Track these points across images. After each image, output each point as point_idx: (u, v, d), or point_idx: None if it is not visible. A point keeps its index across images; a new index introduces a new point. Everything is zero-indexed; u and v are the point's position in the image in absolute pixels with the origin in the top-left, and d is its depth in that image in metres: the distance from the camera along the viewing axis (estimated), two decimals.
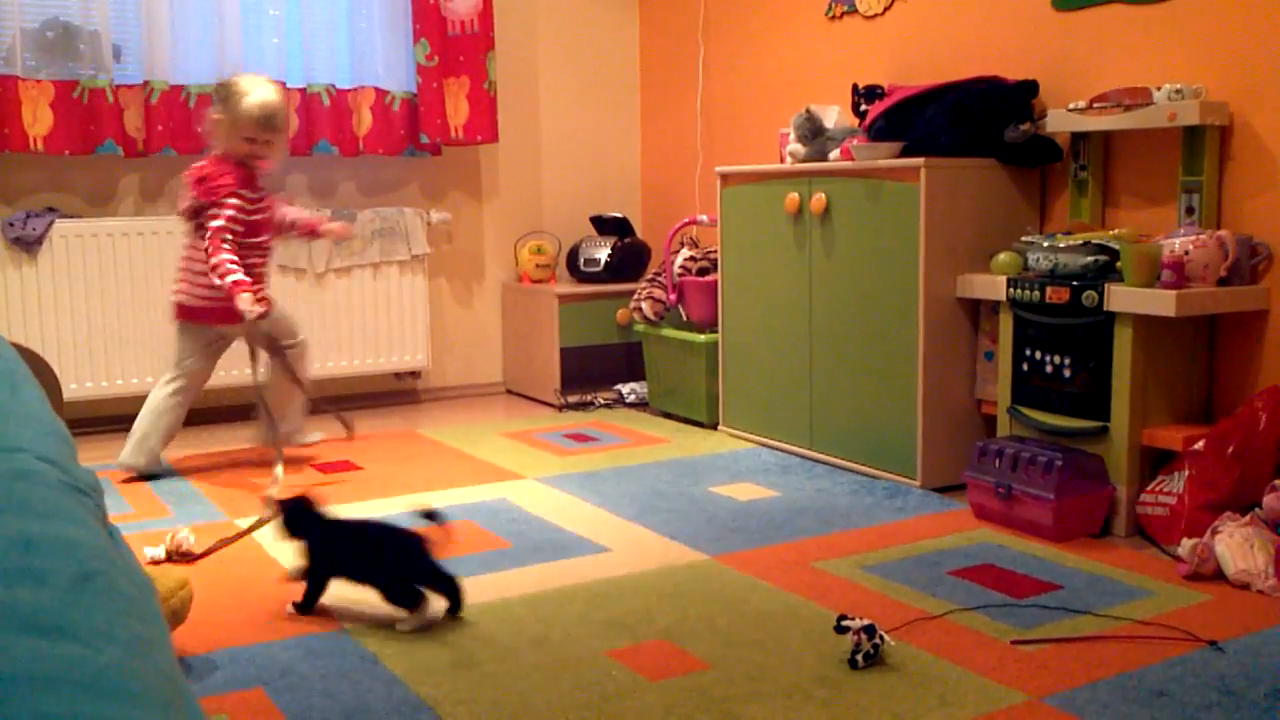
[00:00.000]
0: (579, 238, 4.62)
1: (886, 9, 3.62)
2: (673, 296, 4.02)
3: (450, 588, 2.17)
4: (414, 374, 4.49)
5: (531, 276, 4.54)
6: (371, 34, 4.23)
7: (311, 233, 3.51)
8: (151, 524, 2.81)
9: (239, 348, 3.42)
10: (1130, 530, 2.63)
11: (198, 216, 3.17)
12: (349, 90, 4.19)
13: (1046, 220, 3.14)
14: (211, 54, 3.95)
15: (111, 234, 3.81)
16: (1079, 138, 2.97)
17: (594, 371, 4.41)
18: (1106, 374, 2.64)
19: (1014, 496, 2.64)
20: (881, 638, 1.92)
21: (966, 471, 2.79)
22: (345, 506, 2.94)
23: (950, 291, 3.01)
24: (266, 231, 3.29)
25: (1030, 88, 3.05)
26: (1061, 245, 2.74)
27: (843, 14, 3.80)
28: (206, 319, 3.24)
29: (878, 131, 3.19)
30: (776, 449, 3.50)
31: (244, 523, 2.74)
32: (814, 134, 3.36)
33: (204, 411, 4.13)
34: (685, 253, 4.05)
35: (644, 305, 4.08)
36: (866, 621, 1.92)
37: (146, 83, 3.86)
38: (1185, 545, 2.34)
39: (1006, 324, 2.89)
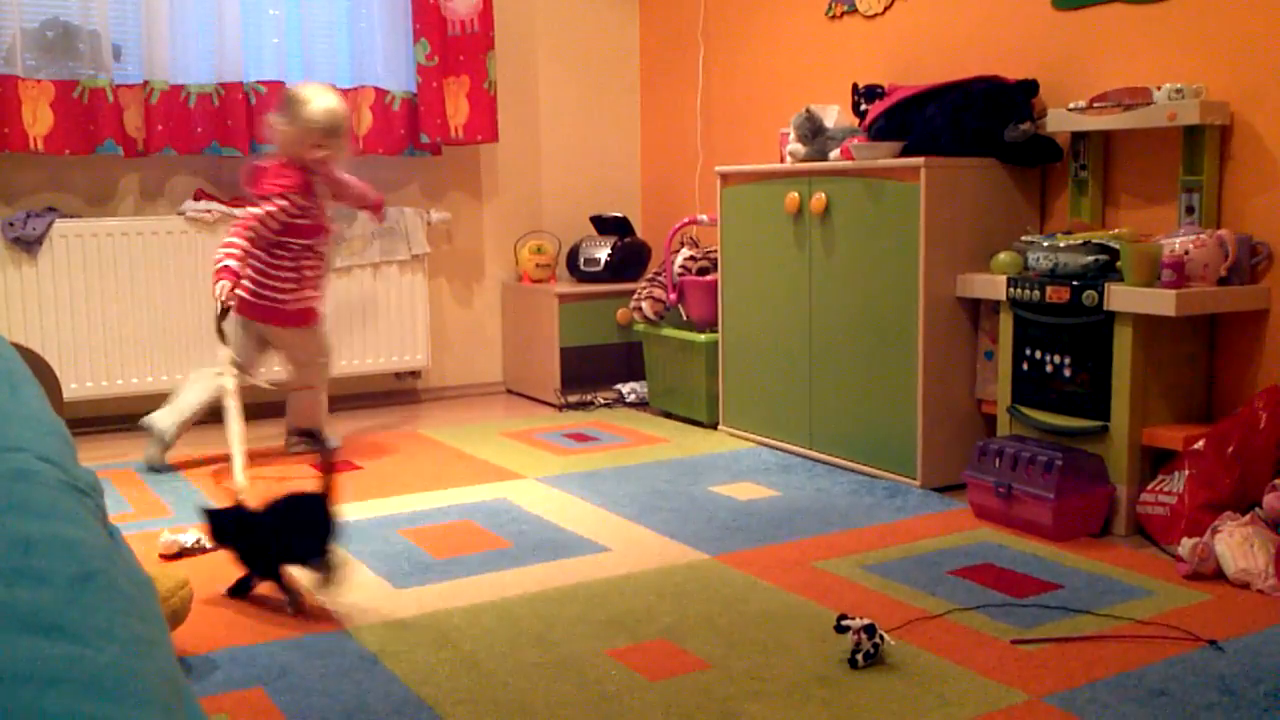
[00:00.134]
0: (579, 237, 4.62)
1: (886, 8, 3.62)
2: (673, 296, 4.02)
3: (326, 559, 2.20)
4: (414, 374, 4.49)
5: (531, 276, 4.54)
6: (371, 34, 4.23)
7: (366, 207, 3.61)
8: (151, 524, 2.81)
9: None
10: (1130, 530, 2.63)
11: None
12: (349, 90, 4.19)
13: (1046, 220, 3.14)
14: (211, 54, 3.95)
15: (111, 234, 3.81)
16: (1079, 137, 2.97)
17: (594, 371, 4.41)
18: (1106, 373, 2.64)
19: (1014, 496, 2.64)
20: (881, 637, 1.92)
21: (966, 471, 2.79)
22: (345, 505, 2.94)
23: (950, 291, 3.01)
24: (317, 235, 3.39)
25: (1030, 87, 3.05)
26: (1062, 245, 2.74)
27: (843, 13, 3.80)
28: (246, 314, 3.38)
29: (878, 131, 3.19)
30: (776, 448, 3.50)
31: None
32: (814, 133, 3.36)
33: (204, 412, 4.13)
34: (685, 252, 4.05)
35: (644, 305, 4.08)
36: (866, 621, 1.92)
37: (146, 82, 3.86)
38: (1185, 545, 2.34)
39: (1006, 323, 2.89)
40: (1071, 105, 2.87)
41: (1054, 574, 2.36)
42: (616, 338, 4.39)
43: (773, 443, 3.54)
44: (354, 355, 4.23)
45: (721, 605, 2.21)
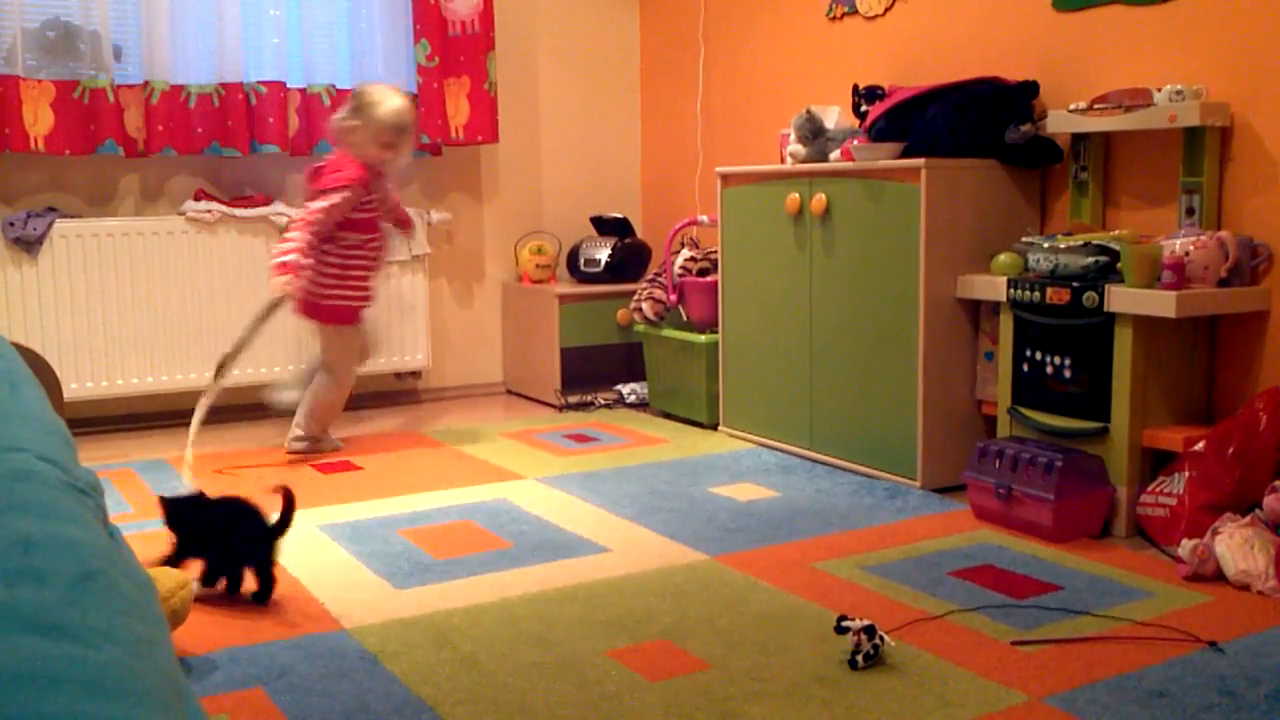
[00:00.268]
0: (579, 238, 4.62)
1: (887, 9, 3.62)
2: (673, 297, 4.02)
3: (266, 575, 2.26)
4: (414, 374, 4.49)
5: (532, 277, 4.54)
6: (372, 34, 4.23)
7: (398, 221, 3.68)
8: (152, 524, 2.81)
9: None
10: (1130, 531, 2.63)
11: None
12: (349, 90, 4.19)
13: (1047, 221, 3.14)
14: (211, 54, 3.95)
15: (112, 234, 3.81)
16: (1079, 138, 2.97)
17: (594, 372, 4.41)
18: (1107, 375, 2.64)
19: (1014, 497, 2.64)
20: (881, 638, 1.92)
21: (967, 472, 2.79)
22: (345, 506, 2.94)
23: (950, 292, 3.01)
24: (374, 231, 3.46)
25: (1031, 88, 3.05)
26: (1062, 246, 2.74)
27: (843, 15, 3.80)
28: (350, 319, 3.47)
29: (878, 132, 3.19)
30: (777, 449, 3.50)
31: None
32: (814, 134, 3.36)
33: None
34: (685, 253, 4.05)
35: (644, 306, 4.08)
36: (866, 622, 1.92)
37: (147, 83, 3.86)
38: (1185, 546, 2.34)
39: (1007, 325, 2.89)
40: (1072, 106, 2.87)
41: (1054, 575, 2.36)
42: (617, 338, 4.39)
43: (773, 443, 3.54)
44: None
45: (721, 606, 2.21)
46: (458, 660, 1.97)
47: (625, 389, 4.33)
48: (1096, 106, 2.81)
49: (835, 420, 3.28)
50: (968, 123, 3.01)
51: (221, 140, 3.97)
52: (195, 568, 2.28)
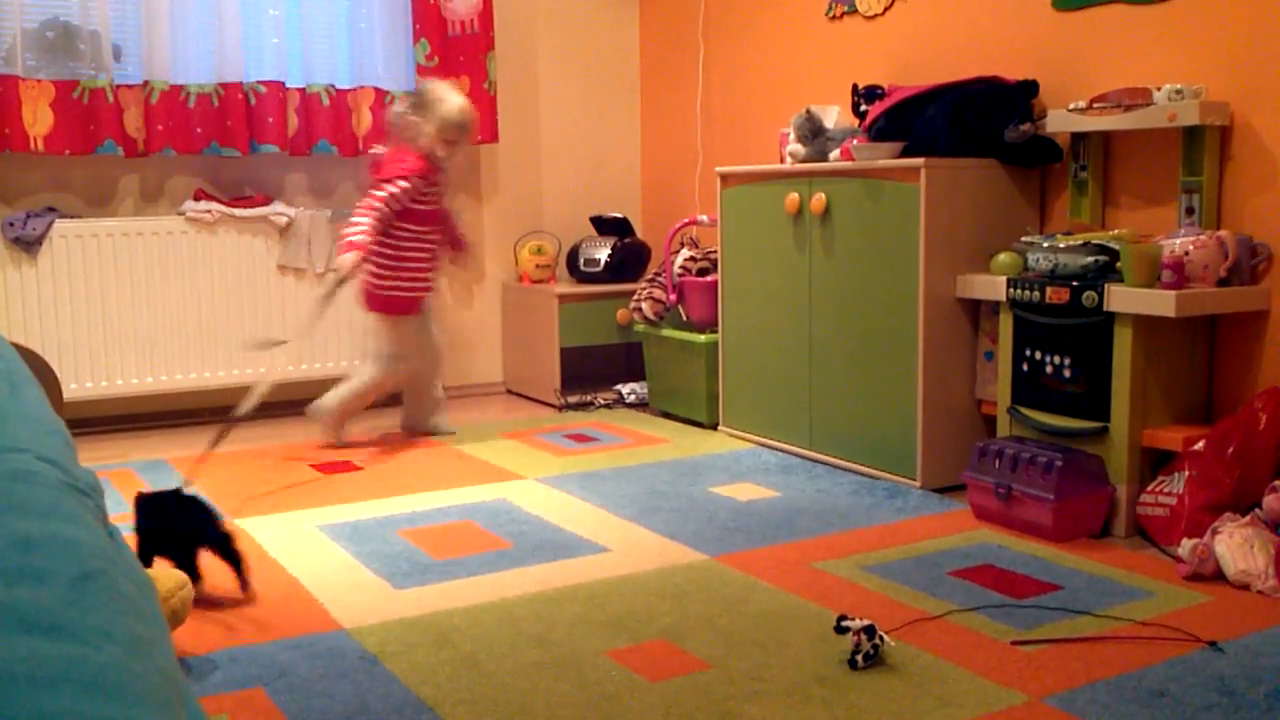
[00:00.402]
0: (579, 238, 4.62)
1: (886, 9, 3.62)
2: (673, 297, 4.02)
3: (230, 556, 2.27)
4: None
5: (531, 276, 4.54)
6: (371, 34, 4.23)
7: (455, 246, 3.79)
8: None
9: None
10: (1130, 531, 2.63)
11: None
12: (349, 90, 4.19)
13: (1046, 220, 3.14)
14: (211, 54, 3.95)
15: (111, 234, 3.81)
16: (1079, 138, 2.97)
17: (594, 372, 4.41)
18: (1106, 374, 2.64)
19: (1014, 497, 2.64)
20: (881, 638, 1.92)
21: (966, 472, 2.79)
22: (344, 506, 2.94)
23: (950, 291, 3.01)
24: (432, 223, 3.56)
25: (1030, 88, 3.05)
26: (1061, 245, 2.74)
27: (843, 14, 3.80)
28: (406, 309, 3.56)
29: (878, 132, 3.19)
30: (776, 449, 3.50)
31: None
32: (814, 134, 3.36)
33: (204, 412, 4.14)
34: (685, 253, 4.05)
35: (644, 305, 4.08)
36: (866, 622, 1.92)
37: (146, 82, 3.86)
38: (1185, 546, 2.34)
39: (1006, 324, 2.89)
40: (1071, 106, 2.87)
41: (1054, 575, 2.36)
42: (616, 338, 4.39)
43: (773, 443, 3.54)
44: (354, 355, 4.23)
45: (721, 606, 2.21)
46: (458, 660, 1.97)
47: (625, 389, 4.33)
48: (1096, 106, 2.81)
49: (835, 420, 3.28)
50: (967, 122, 3.01)
51: (221, 140, 3.97)
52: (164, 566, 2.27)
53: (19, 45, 3.67)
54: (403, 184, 3.43)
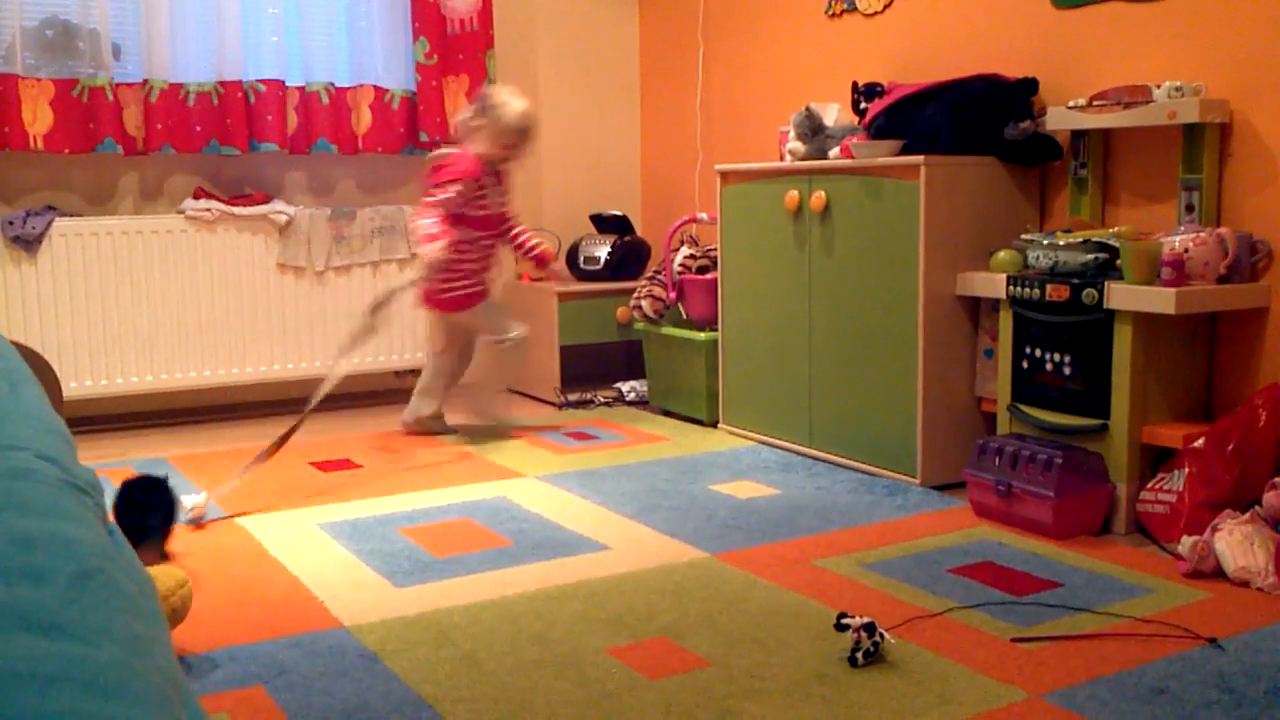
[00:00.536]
0: (579, 236, 4.62)
1: (886, 7, 3.62)
2: (672, 294, 4.02)
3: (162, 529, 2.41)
4: (414, 372, 4.49)
5: (530, 275, 4.54)
6: (371, 32, 4.23)
7: (525, 251, 3.83)
8: None
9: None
10: (1130, 528, 2.63)
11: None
12: (348, 88, 4.19)
13: (1046, 218, 3.14)
14: (210, 52, 3.95)
15: (111, 232, 3.81)
16: (1079, 135, 2.97)
17: (594, 370, 4.41)
18: (1106, 372, 2.64)
19: (1014, 494, 2.64)
20: (881, 635, 1.92)
21: (966, 469, 2.79)
22: (345, 504, 2.94)
23: (950, 289, 3.01)
24: (486, 228, 3.61)
25: (1030, 85, 3.05)
26: (1061, 243, 2.74)
27: (842, 12, 3.80)
28: (472, 302, 3.63)
29: (877, 129, 3.19)
30: (776, 447, 3.50)
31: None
32: (814, 132, 3.35)
33: (203, 410, 4.14)
34: (685, 251, 4.05)
35: (644, 303, 4.08)
36: (866, 619, 1.92)
37: (146, 81, 3.86)
38: (1185, 543, 2.34)
39: (1006, 322, 2.89)
40: (1071, 103, 2.87)
41: (1054, 572, 2.36)
42: (616, 336, 4.39)
43: (773, 441, 3.54)
44: (353, 354, 4.22)
45: (721, 604, 2.21)
46: (458, 658, 1.97)
47: (625, 387, 4.33)
48: (1096, 103, 2.81)
49: (835, 418, 3.28)
50: (967, 120, 3.01)
51: (220, 138, 3.97)
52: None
53: (18, 44, 3.67)
54: (455, 188, 3.48)
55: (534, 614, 2.17)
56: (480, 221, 3.59)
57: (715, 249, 3.86)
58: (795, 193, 3.33)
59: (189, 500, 2.77)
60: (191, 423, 4.06)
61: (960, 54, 3.34)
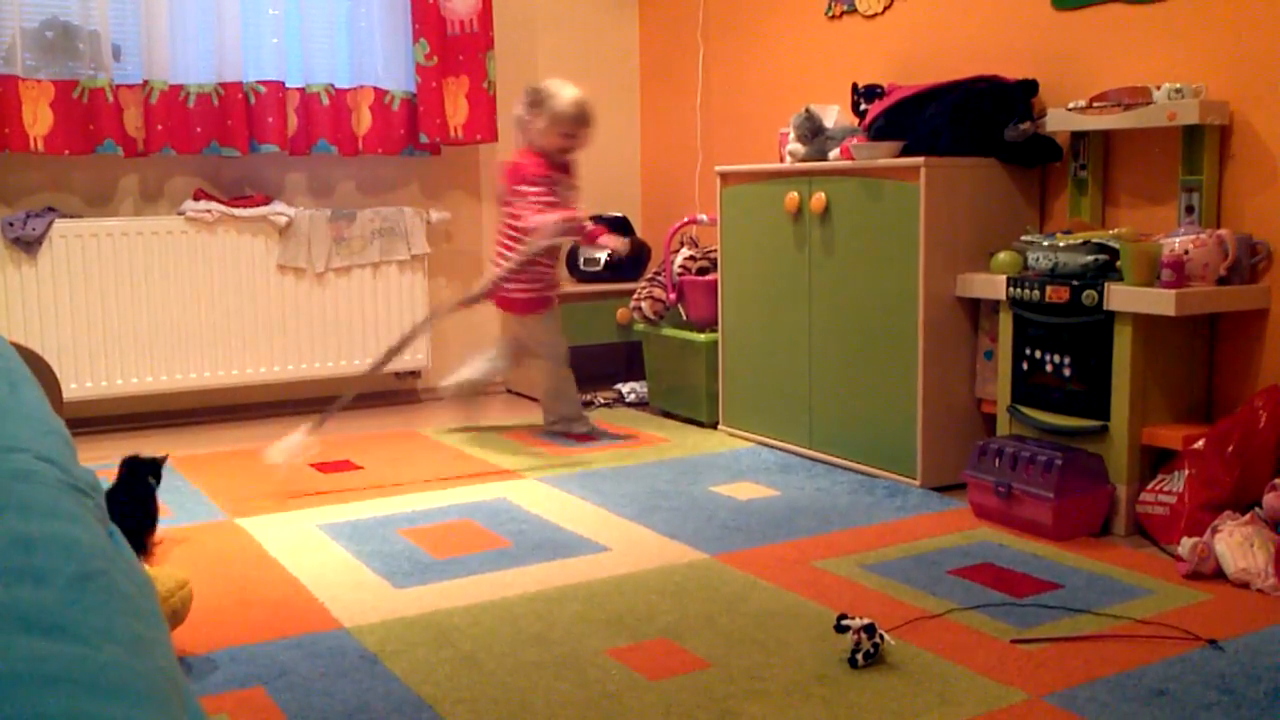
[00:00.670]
0: None
1: (886, 8, 3.62)
2: (672, 296, 4.02)
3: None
4: (414, 374, 4.49)
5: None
6: (371, 33, 4.23)
7: (590, 239, 3.81)
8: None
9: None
10: (1130, 529, 2.63)
11: (514, 207, 3.53)
12: (348, 90, 4.19)
13: (1046, 219, 3.14)
14: (211, 54, 3.95)
15: (111, 234, 3.81)
16: (1079, 137, 2.97)
17: (594, 371, 4.41)
18: (1106, 373, 2.64)
19: (1014, 495, 2.64)
20: (881, 637, 1.92)
21: (966, 471, 2.79)
22: (345, 506, 2.94)
23: (950, 291, 3.01)
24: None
25: (1030, 87, 3.05)
26: (1061, 244, 2.74)
27: (842, 13, 3.80)
28: (539, 307, 3.62)
29: (877, 131, 3.19)
30: (776, 448, 3.50)
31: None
32: (814, 133, 3.36)
33: (204, 412, 4.14)
34: (685, 252, 4.05)
35: (644, 305, 4.08)
36: (866, 620, 1.92)
37: (146, 82, 3.86)
38: (1185, 544, 2.34)
39: (1006, 323, 2.89)
40: (1071, 105, 2.87)
41: (1054, 573, 2.36)
42: (616, 337, 4.39)
43: (772, 442, 3.54)
44: (354, 355, 4.23)
45: (721, 605, 2.21)
46: (458, 659, 1.97)
47: (625, 388, 4.33)
48: (1096, 105, 2.81)
49: (835, 419, 3.28)
50: (967, 121, 3.01)
51: (221, 140, 3.97)
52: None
53: (18, 45, 3.67)
54: (537, 189, 3.48)
55: (534, 615, 2.17)
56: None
57: (715, 250, 3.86)
58: (795, 194, 3.33)
59: (287, 444, 3.04)
60: (191, 424, 4.06)
61: (960, 55, 3.34)
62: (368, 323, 4.24)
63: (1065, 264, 2.73)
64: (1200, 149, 2.68)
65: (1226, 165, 2.69)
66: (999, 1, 3.23)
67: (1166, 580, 2.31)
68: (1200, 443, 2.51)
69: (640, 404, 4.27)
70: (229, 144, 3.97)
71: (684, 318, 4.01)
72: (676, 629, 2.09)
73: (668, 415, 4.06)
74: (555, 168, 3.55)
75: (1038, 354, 2.81)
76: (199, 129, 3.94)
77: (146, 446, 3.53)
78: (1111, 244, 2.68)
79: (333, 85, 4.15)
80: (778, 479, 3.16)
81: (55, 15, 3.75)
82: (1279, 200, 2.61)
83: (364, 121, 4.21)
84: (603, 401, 4.28)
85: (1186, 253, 2.55)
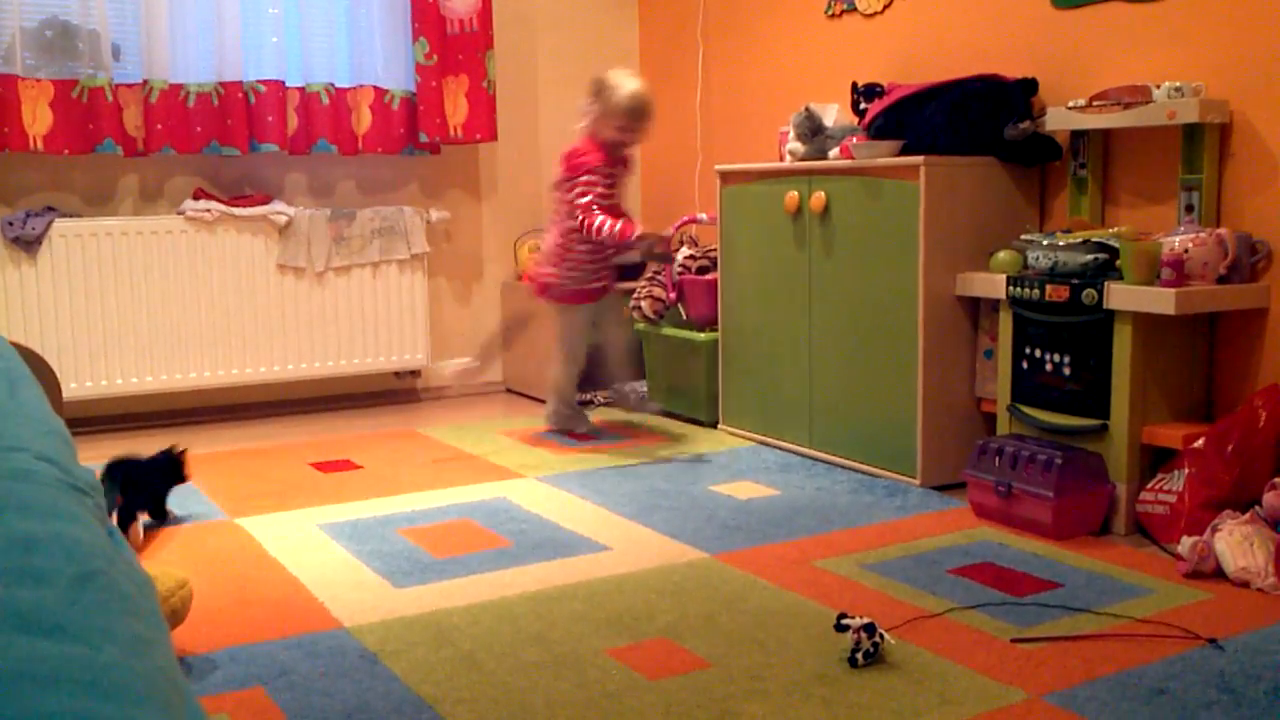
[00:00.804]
0: None
1: (886, 7, 3.62)
2: (672, 295, 4.02)
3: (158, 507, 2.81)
4: (413, 373, 4.49)
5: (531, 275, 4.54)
6: (371, 33, 4.22)
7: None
8: (149, 523, 2.81)
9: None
10: (1130, 528, 2.63)
11: (566, 193, 3.54)
12: (348, 89, 4.19)
13: (1046, 218, 3.14)
14: (210, 53, 3.95)
15: (111, 233, 3.81)
16: (1078, 136, 2.97)
17: (594, 370, 4.40)
18: (1106, 372, 2.64)
19: (1014, 495, 2.64)
20: (881, 636, 1.92)
21: (966, 470, 2.79)
22: (344, 505, 2.94)
23: (950, 290, 3.01)
24: (611, 216, 3.53)
25: (1030, 86, 3.05)
26: (1061, 243, 2.74)
27: (842, 12, 3.80)
28: (573, 299, 3.62)
29: (877, 130, 3.19)
30: (776, 447, 3.50)
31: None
32: (813, 132, 3.35)
33: (203, 411, 4.14)
34: (685, 251, 4.05)
35: (644, 304, 4.08)
36: (866, 620, 1.92)
37: (145, 81, 3.86)
38: (1185, 543, 2.34)
39: (1006, 322, 2.89)
40: (1071, 104, 2.87)
41: (1054, 573, 2.36)
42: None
43: (772, 441, 3.54)
44: (354, 354, 4.23)
45: (721, 604, 2.21)
46: (457, 659, 1.97)
47: (625, 387, 4.32)
48: (1095, 103, 2.81)
49: (835, 418, 3.28)
50: (966, 120, 3.01)
51: (220, 139, 3.97)
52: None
53: (18, 44, 3.67)
54: (589, 178, 3.47)
55: (534, 614, 2.17)
56: (611, 211, 3.53)
57: (715, 249, 3.86)
58: (795, 193, 3.33)
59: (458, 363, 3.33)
60: (191, 423, 4.06)
61: (960, 54, 3.34)
62: (367, 322, 4.24)
63: (1065, 263, 2.73)
64: (1200, 148, 2.68)
65: (1226, 164, 2.69)
66: (999, 0, 3.23)
67: (1166, 579, 2.31)
68: (1200, 442, 2.51)
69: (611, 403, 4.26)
70: (229, 143, 3.97)
71: (684, 317, 4.01)
72: (676, 628, 2.09)
73: (668, 414, 4.06)
74: (613, 159, 3.54)
75: (1037, 353, 2.81)
76: (199, 128, 3.94)
77: (147, 446, 3.53)
78: (1111, 243, 2.68)
79: (332, 84, 4.15)
80: (777, 478, 3.16)
81: (55, 14, 3.75)
82: (1279, 199, 2.61)
83: (364, 121, 4.21)
84: (602, 401, 4.28)
85: (1186, 252, 2.55)
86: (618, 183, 3.58)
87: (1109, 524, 2.65)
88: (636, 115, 3.50)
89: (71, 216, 3.81)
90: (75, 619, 0.68)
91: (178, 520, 2.82)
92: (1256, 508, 2.38)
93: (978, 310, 3.06)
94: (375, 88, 4.22)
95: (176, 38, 3.89)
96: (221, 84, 3.95)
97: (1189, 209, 2.72)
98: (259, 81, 4.00)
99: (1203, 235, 2.58)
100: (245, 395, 4.19)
